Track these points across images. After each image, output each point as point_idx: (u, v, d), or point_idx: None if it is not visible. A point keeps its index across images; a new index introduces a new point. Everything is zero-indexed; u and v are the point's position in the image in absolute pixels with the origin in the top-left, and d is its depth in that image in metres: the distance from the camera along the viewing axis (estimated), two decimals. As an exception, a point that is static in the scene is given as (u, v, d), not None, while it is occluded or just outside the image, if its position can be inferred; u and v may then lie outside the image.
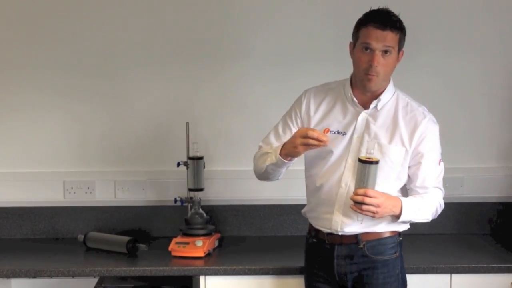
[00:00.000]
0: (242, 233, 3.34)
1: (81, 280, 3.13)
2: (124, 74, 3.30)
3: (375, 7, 2.43)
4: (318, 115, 2.53)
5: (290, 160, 2.44)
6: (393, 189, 2.47)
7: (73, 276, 2.82)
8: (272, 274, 2.77)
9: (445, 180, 3.27)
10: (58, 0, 3.25)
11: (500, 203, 3.33)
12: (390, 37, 2.34)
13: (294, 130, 2.53)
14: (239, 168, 3.31)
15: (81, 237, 3.16)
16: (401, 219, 2.40)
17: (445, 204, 3.30)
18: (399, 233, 2.52)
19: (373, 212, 2.30)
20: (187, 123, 3.17)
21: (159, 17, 3.27)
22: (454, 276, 2.77)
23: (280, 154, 2.43)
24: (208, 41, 3.27)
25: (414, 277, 2.75)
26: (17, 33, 3.28)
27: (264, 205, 3.33)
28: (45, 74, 3.29)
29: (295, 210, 3.29)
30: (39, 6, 3.26)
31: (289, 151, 2.40)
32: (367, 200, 2.28)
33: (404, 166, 2.46)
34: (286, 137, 2.52)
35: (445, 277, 2.77)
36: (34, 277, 2.85)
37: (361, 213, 2.32)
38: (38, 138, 3.32)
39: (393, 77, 2.49)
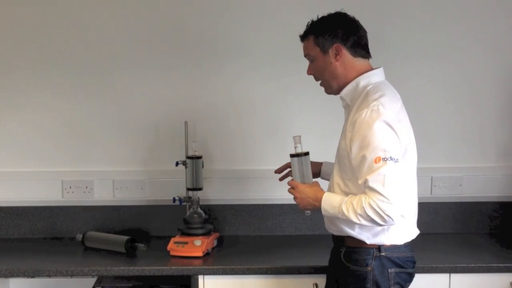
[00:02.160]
0: (241, 233, 3.34)
1: (79, 280, 3.13)
2: (123, 74, 3.29)
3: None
4: None
5: None
6: (356, 187, 2.32)
7: (71, 276, 2.81)
8: (271, 273, 2.77)
9: (445, 179, 3.31)
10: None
11: (500, 203, 3.32)
12: (304, 46, 2.50)
13: None
14: (238, 167, 3.31)
15: (79, 236, 3.16)
16: (323, 213, 2.38)
17: (445, 203, 3.33)
18: (379, 248, 2.39)
19: (298, 203, 2.45)
20: (186, 122, 3.17)
21: (157, 16, 3.27)
22: (453, 275, 2.77)
23: None
24: (206, 40, 3.27)
25: (413, 277, 2.75)
26: (15, 34, 3.27)
27: (263, 205, 3.33)
28: (43, 73, 3.29)
29: (294, 209, 3.29)
30: (37, 5, 3.25)
31: None
32: (288, 190, 2.48)
33: (351, 161, 2.33)
34: None
35: (444, 277, 2.77)
36: (33, 276, 2.84)
37: None
38: (36, 137, 3.32)
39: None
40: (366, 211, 2.22)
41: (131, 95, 3.31)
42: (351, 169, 2.34)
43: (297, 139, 2.50)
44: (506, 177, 3.32)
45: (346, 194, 2.36)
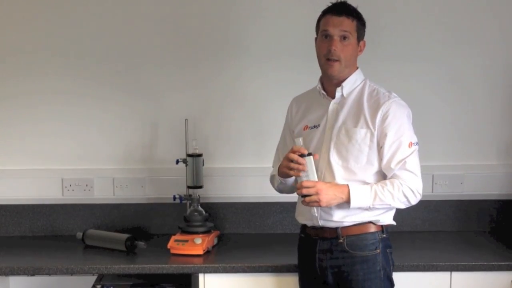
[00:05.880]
0: (241, 231, 3.34)
1: (79, 278, 3.12)
2: (122, 72, 3.29)
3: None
4: (298, 116, 2.67)
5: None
6: (367, 174, 2.47)
7: (71, 274, 2.81)
8: (271, 271, 2.77)
9: (446, 177, 3.31)
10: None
11: (501, 201, 3.32)
12: (346, 23, 2.46)
13: (290, 140, 2.67)
14: (238, 165, 3.31)
15: (79, 234, 3.15)
16: (352, 205, 2.42)
17: (446, 201, 3.33)
18: (382, 230, 2.51)
19: (316, 201, 2.41)
20: (186, 120, 3.17)
21: (158, 16, 3.26)
22: (454, 273, 2.76)
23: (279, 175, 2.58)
24: (206, 39, 3.26)
25: (414, 275, 2.74)
26: (19, 36, 3.26)
27: (264, 203, 3.32)
28: (42, 72, 3.28)
29: (294, 207, 3.28)
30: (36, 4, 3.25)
31: (282, 174, 2.55)
32: (304, 191, 2.42)
33: (373, 148, 2.46)
34: (287, 151, 2.58)
35: (445, 275, 2.76)
36: (33, 274, 2.84)
37: (308, 205, 2.45)
38: (36, 136, 3.31)
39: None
40: (405, 192, 2.43)
41: (131, 93, 3.30)
42: (369, 156, 2.46)
43: (299, 141, 2.48)
44: (507, 175, 3.31)
45: (348, 182, 2.46)
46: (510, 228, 3.30)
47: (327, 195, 2.40)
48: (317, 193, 2.40)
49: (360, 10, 2.52)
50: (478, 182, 3.31)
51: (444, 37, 3.26)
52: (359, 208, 2.44)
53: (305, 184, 2.42)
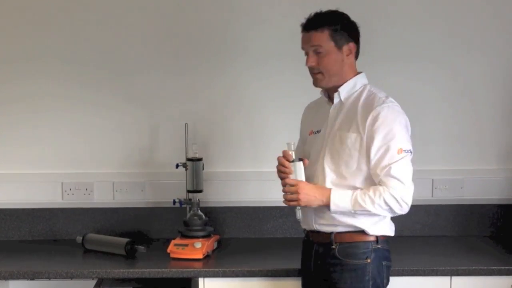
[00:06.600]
0: (241, 235, 3.33)
1: (79, 282, 3.11)
2: (123, 76, 3.29)
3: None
4: (307, 121, 2.69)
5: None
6: (357, 179, 2.44)
7: (71, 278, 2.81)
8: (271, 276, 2.76)
9: (446, 182, 3.31)
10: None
11: (501, 205, 3.31)
12: (315, 37, 2.44)
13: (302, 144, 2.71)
14: (238, 169, 3.30)
15: (79, 238, 3.15)
16: (331, 208, 2.40)
17: (446, 206, 3.32)
18: (376, 240, 2.47)
19: (295, 200, 2.42)
20: (186, 124, 3.17)
21: (158, 19, 3.26)
22: (454, 278, 2.76)
23: None
24: (206, 43, 3.27)
25: (414, 280, 2.74)
26: (18, 41, 3.27)
27: (263, 207, 3.32)
28: (42, 77, 3.28)
29: (294, 212, 3.28)
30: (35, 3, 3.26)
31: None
32: (286, 189, 2.44)
33: (362, 153, 2.42)
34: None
35: (445, 280, 2.76)
36: (32, 279, 2.84)
37: (288, 205, 2.46)
38: (36, 140, 3.31)
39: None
40: (386, 199, 2.35)
41: (131, 97, 3.30)
42: (359, 161, 2.42)
43: (290, 146, 2.50)
44: (507, 179, 3.31)
45: (337, 187, 2.44)
46: (510, 233, 3.29)
47: (307, 195, 2.41)
48: (296, 192, 2.41)
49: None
50: (478, 187, 3.31)
51: (445, 40, 3.26)
52: (341, 212, 2.42)
53: (287, 182, 2.44)
